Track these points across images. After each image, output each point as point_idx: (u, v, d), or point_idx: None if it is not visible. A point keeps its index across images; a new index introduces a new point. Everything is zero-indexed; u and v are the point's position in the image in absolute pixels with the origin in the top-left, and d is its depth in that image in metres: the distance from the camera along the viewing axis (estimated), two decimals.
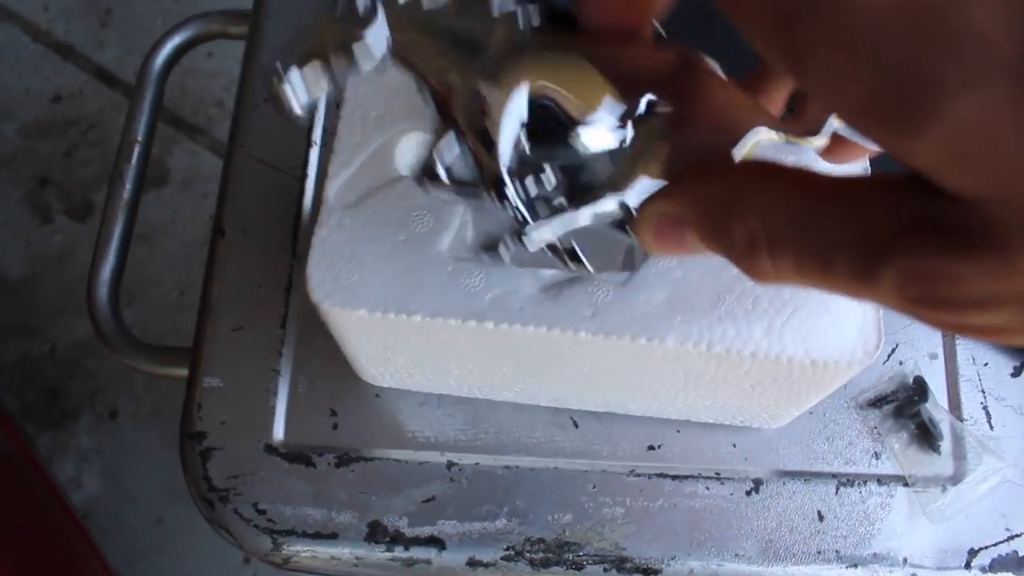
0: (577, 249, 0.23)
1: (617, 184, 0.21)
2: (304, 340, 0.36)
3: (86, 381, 1.31)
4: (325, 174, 0.31)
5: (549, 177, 0.22)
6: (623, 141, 0.21)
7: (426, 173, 0.22)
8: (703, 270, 0.26)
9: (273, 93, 0.22)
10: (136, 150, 0.49)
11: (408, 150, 0.27)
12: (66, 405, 1.32)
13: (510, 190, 0.21)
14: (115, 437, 1.30)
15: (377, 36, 0.22)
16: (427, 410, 0.35)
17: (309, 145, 0.39)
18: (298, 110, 0.22)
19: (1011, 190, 0.15)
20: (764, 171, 0.19)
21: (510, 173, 0.21)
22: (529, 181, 0.22)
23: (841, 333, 0.27)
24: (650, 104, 0.21)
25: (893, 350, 0.37)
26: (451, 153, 0.22)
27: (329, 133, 0.40)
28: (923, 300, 0.17)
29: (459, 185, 0.22)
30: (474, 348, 0.27)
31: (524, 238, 0.22)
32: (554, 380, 0.33)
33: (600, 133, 0.21)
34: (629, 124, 0.21)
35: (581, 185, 0.22)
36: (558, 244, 0.22)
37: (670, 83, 0.22)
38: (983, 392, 0.37)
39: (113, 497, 1.28)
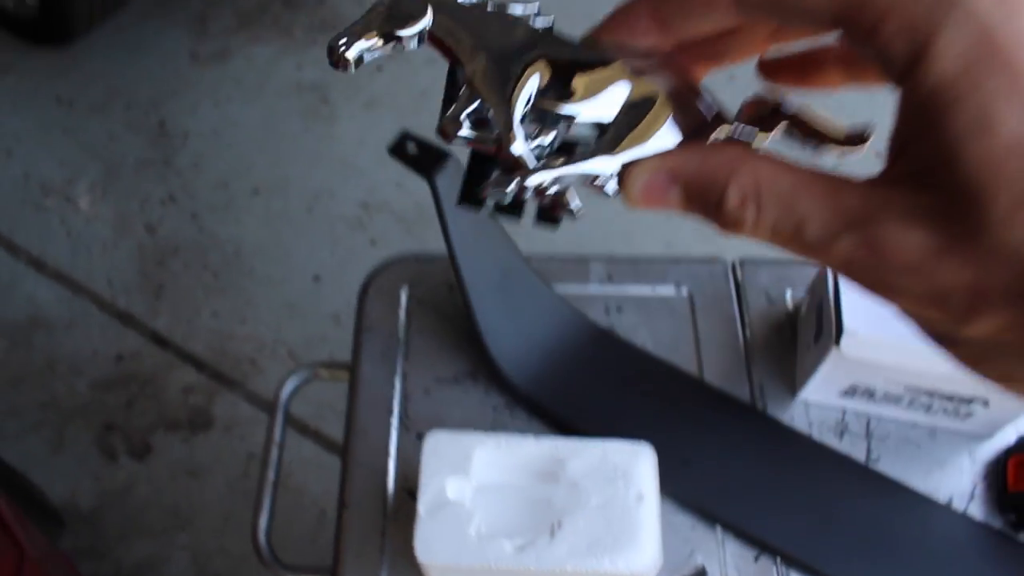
0: (567, 196, 0.26)
1: (612, 146, 0.25)
2: (393, 564, 0.70)
3: None
4: (401, 473, 0.67)
5: (549, 138, 0.26)
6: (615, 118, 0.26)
7: (450, 125, 0.26)
8: (584, 534, 0.62)
9: (332, 50, 0.27)
10: (273, 452, 0.84)
11: (451, 486, 0.63)
12: None
13: (519, 142, 0.25)
14: None
15: (421, 26, 0.27)
16: None
17: (387, 456, 0.76)
18: (349, 66, 0.27)
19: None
20: (758, 154, 0.24)
21: (522, 124, 0.25)
22: (533, 140, 0.26)
23: (645, 558, 0.62)
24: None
25: (691, 552, 0.73)
26: (470, 112, 0.26)
27: (399, 451, 0.76)
28: (859, 264, 0.22)
29: (477, 138, 0.26)
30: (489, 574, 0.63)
31: (527, 180, 0.25)
32: None
33: (595, 107, 0.26)
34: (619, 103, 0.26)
35: (576, 146, 0.26)
36: (546, 189, 0.25)
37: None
38: (737, 571, 0.72)
39: None
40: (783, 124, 0.26)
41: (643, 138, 0.25)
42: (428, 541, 0.62)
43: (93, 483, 1.65)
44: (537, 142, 0.26)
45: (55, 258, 1.93)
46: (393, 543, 0.71)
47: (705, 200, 0.23)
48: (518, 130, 0.25)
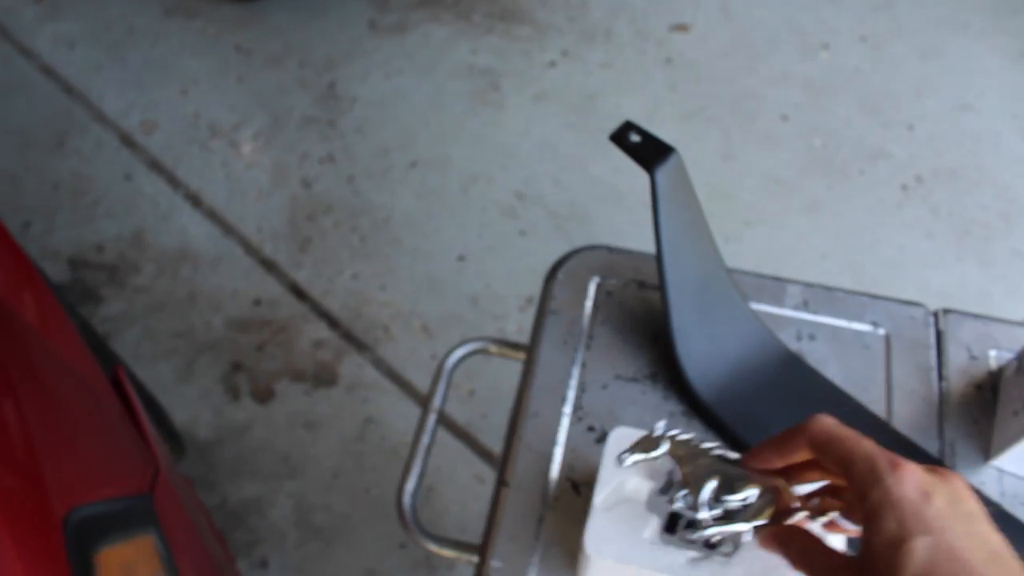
0: (724, 540, 0.58)
1: (749, 518, 0.54)
2: (546, 553, 0.68)
3: (246, 533, 1.57)
4: (567, 463, 0.65)
5: (715, 512, 0.55)
6: (747, 505, 0.55)
7: (664, 493, 0.60)
8: (762, 558, 0.58)
9: (618, 459, 0.60)
10: (431, 418, 0.83)
11: (630, 484, 0.61)
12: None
13: (704, 511, 0.55)
14: None
15: (663, 451, 0.58)
16: None
17: (554, 444, 0.73)
18: (625, 463, 0.59)
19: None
20: (813, 536, 0.52)
21: (705, 505, 0.55)
22: (708, 510, 0.55)
23: None
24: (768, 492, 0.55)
25: None
26: (679, 495, 0.57)
27: (568, 440, 0.73)
28: None
29: (681, 511, 0.58)
30: None
31: (705, 532, 0.55)
32: None
33: (739, 499, 0.55)
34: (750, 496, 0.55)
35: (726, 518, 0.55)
36: (709, 534, 0.56)
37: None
38: None
39: None
40: (831, 513, 0.54)
41: (762, 514, 0.55)
42: (600, 535, 0.59)
43: (213, 417, 1.69)
44: (713, 513, 0.56)
45: (211, 197, 1.99)
46: (549, 530, 0.69)
47: (781, 551, 0.54)
48: (703, 507, 0.56)
